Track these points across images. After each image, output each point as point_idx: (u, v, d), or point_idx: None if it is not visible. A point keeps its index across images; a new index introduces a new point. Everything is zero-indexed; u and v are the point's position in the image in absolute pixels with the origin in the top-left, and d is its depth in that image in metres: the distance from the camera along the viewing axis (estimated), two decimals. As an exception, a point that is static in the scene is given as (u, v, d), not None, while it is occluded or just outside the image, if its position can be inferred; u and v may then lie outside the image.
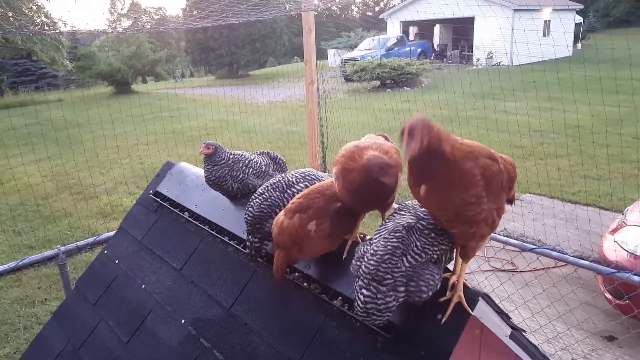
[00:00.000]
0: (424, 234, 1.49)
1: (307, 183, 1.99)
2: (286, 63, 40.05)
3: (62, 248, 3.75)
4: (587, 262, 3.36)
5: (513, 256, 5.10)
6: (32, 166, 11.17)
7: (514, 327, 1.71)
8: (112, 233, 3.29)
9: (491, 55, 27.09)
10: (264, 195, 1.97)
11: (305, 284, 1.87)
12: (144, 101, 17.40)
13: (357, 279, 1.46)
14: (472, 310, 1.48)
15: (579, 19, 32.79)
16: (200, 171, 2.75)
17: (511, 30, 21.61)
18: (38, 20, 25.72)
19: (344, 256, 1.83)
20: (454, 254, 1.61)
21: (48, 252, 3.81)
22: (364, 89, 21.95)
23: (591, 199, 7.87)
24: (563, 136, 11.47)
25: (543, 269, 5.58)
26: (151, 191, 2.90)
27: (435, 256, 1.48)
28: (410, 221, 1.54)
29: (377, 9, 69.82)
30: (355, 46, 33.81)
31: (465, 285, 1.54)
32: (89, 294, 2.70)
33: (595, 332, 4.65)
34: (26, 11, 25.44)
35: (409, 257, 1.43)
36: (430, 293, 1.45)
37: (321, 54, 32.53)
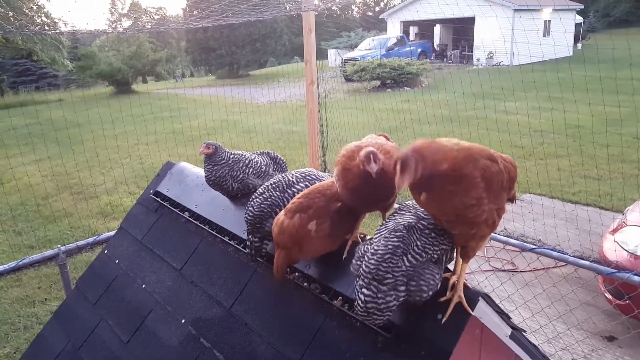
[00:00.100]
0: (425, 233, 1.49)
1: (307, 183, 1.99)
2: (286, 63, 40.04)
3: (63, 248, 3.75)
4: (587, 262, 3.36)
5: (513, 256, 5.10)
6: (33, 166, 11.18)
7: (514, 327, 1.71)
8: (112, 233, 3.30)
9: (491, 55, 27.09)
10: (264, 195, 1.98)
11: (305, 284, 1.87)
12: (144, 101, 17.40)
13: (357, 279, 1.46)
14: (473, 310, 1.48)
15: (579, 19, 32.78)
16: (200, 171, 2.75)
17: (511, 30, 21.61)
18: (38, 20, 25.71)
19: (344, 256, 1.83)
20: (454, 254, 1.61)
21: (48, 252, 3.81)
22: (364, 88, 21.95)
23: (591, 199, 7.87)
24: (563, 136, 11.47)
25: (543, 269, 5.58)
26: (151, 191, 2.91)
27: (435, 256, 1.48)
28: (411, 221, 1.54)
29: (377, 9, 69.83)
30: (356, 46, 33.81)
31: (465, 285, 1.54)
32: (89, 293, 2.70)
33: (595, 332, 4.65)
34: (26, 11, 25.44)
35: (409, 256, 1.42)
36: (430, 292, 1.45)
37: (321, 54, 32.53)
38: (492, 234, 3.47)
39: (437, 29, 34.25)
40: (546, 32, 27.18)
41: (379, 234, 1.52)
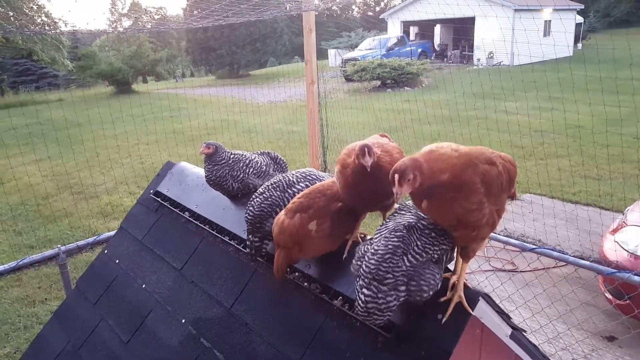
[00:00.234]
0: (425, 233, 1.49)
1: (307, 183, 1.99)
2: (287, 63, 40.03)
3: (63, 248, 3.75)
4: (587, 262, 3.36)
5: (513, 256, 5.10)
6: (33, 166, 11.18)
7: (514, 327, 1.70)
8: (112, 233, 3.30)
9: (492, 55, 27.08)
10: (264, 195, 1.98)
11: (305, 284, 1.87)
12: (145, 101, 17.40)
13: (357, 279, 1.46)
14: (473, 310, 1.48)
15: (580, 19, 32.78)
16: (200, 171, 2.75)
17: (512, 30, 21.61)
18: (39, 20, 25.72)
19: (344, 256, 1.83)
20: (455, 254, 1.61)
21: (48, 252, 3.81)
22: (364, 88, 21.95)
23: (592, 199, 7.87)
24: (563, 136, 11.47)
25: (543, 269, 5.58)
26: (152, 191, 2.91)
27: (436, 256, 1.48)
28: (411, 221, 1.54)
29: (377, 9, 69.83)
30: (356, 46, 33.81)
31: (465, 285, 1.54)
32: (89, 293, 2.70)
33: (595, 332, 4.65)
34: (27, 11, 25.45)
35: (409, 256, 1.42)
36: (431, 292, 1.45)
37: (322, 54, 32.53)
38: (492, 234, 3.47)
39: (437, 29, 34.25)
40: (546, 32, 27.18)
41: (379, 234, 1.52)
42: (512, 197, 1.64)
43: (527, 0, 24.39)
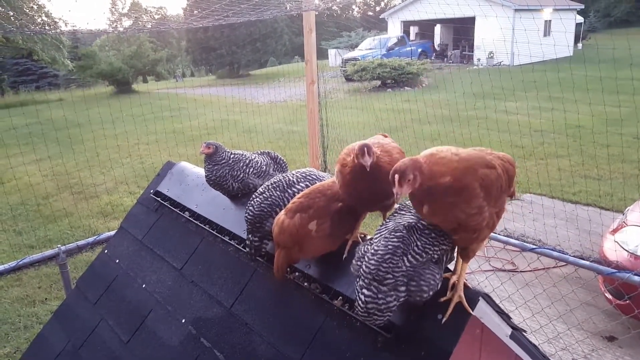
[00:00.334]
0: (425, 233, 1.49)
1: (307, 183, 1.99)
2: (287, 63, 40.03)
3: (63, 247, 3.75)
4: (587, 262, 3.36)
5: (513, 256, 5.10)
6: (33, 166, 11.18)
7: (514, 327, 1.70)
8: (112, 232, 3.30)
9: (492, 55, 27.08)
10: (264, 195, 1.98)
11: (305, 284, 1.87)
12: (145, 101, 17.39)
13: (357, 279, 1.46)
14: (473, 310, 1.48)
15: (580, 19, 32.77)
16: (200, 171, 2.75)
17: (512, 30, 21.60)
18: (39, 20, 25.71)
19: (344, 256, 1.83)
20: (455, 254, 1.61)
21: (48, 252, 3.81)
22: (364, 88, 21.94)
23: (592, 199, 7.87)
24: (564, 136, 11.47)
25: (543, 269, 5.58)
26: (152, 191, 2.91)
27: (436, 256, 1.48)
28: (411, 221, 1.54)
29: (377, 8, 69.81)
30: (356, 46, 33.81)
31: (465, 285, 1.54)
32: (89, 293, 2.70)
33: (595, 332, 4.65)
34: (27, 10, 25.44)
35: (409, 256, 1.42)
36: (431, 293, 1.45)
37: (322, 54, 32.53)
38: (492, 234, 3.47)
39: (437, 28, 34.25)
40: (547, 32, 27.17)
41: (379, 234, 1.52)
42: (511, 196, 1.64)
43: (528, 0, 24.40)
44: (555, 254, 3.47)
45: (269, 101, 17.78)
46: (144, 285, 2.44)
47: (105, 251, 2.85)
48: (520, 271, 5.68)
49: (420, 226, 1.51)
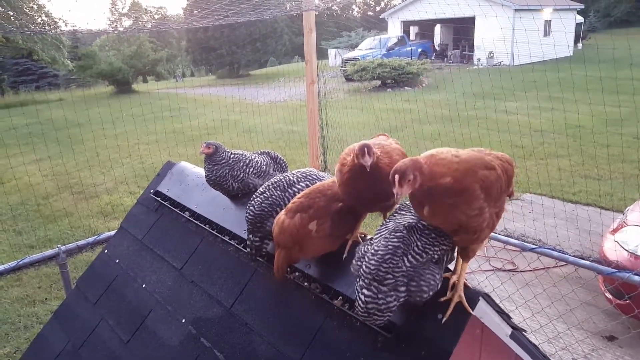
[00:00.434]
0: (425, 233, 1.49)
1: (307, 183, 1.99)
2: (287, 63, 40.03)
3: (63, 247, 3.75)
4: (587, 262, 3.36)
5: (513, 256, 5.10)
6: (33, 165, 11.18)
7: (514, 327, 1.70)
8: (112, 232, 3.30)
9: (492, 55, 27.08)
10: (264, 194, 1.98)
11: (305, 284, 1.87)
12: (145, 101, 17.39)
13: (357, 279, 1.46)
14: (473, 310, 1.48)
15: (580, 18, 32.77)
16: (200, 171, 2.75)
17: (512, 30, 21.60)
18: (39, 20, 25.71)
19: (344, 256, 1.83)
20: (455, 254, 1.61)
21: (49, 252, 3.81)
22: (364, 88, 21.94)
23: (592, 198, 7.87)
24: (564, 136, 11.47)
25: (543, 268, 5.58)
26: (152, 191, 2.91)
27: (436, 256, 1.48)
28: (411, 221, 1.53)
29: (377, 8, 69.80)
30: (356, 46, 33.81)
31: (465, 285, 1.55)
32: (89, 293, 2.70)
33: (595, 331, 4.65)
34: (27, 10, 25.43)
35: (409, 257, 1.42)
36: (431, 293, 1.45)
37: (322, 54, 32.53)
38: (492, 234, 3.47)
39: (437, 28, 34.25)
40: (547, 32, 27.17)
41: (379, 234, 1.52)
42: (510, 195, 1.64)
43: (528, 0, 24.40)
44: (555, 253, 3.47)
45: (269, 101, 17.78)
46: (144, 285, 2.44)
47: (105, 251, 2.85)
48: (520, 271, 5.68)
49: (420, 226, 1.51)
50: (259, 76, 34.64)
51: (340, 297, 1.74)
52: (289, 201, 1.88)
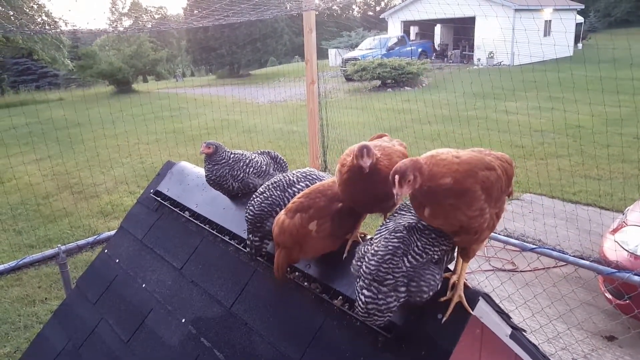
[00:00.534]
0: (425, 234, 1.49)
1: (307, 182, 1.99)
2: (287, 62, 40.06)
3: (63, 247, 3.75)
4: (587, 262, 3.36)
5: (513, 256, 5.10)
6: (33, 165, 11.18)
7: (514, 327, 1.71)
8: (112, 232, 3.30)
9: (492, 55, 27.07)
10: (264, 194, 1.98)
11: (305, 284, 1.87)
12: (145, 100, 17.38)
13: (357, 279, 1.46)
14: (473, 310, 1.48)
15: (580, 18, 32.76)
16: (200, 170, 2.75)
17: (512, 30, 21.61)
18: (39, 20, 25.71)
19: (344, 256, 1.83)
20: (455, 254, 1.61)
21: (48, 251, 3.80)
22: (364, 88, 21.94)
23: (592, 198, 7.87)
24: (564, 136, 11.47)
25: (543, 268, 5.57)
26: (152, 190, 2.91)
27: (436, 256, 1.48)
28: (411, 221, 1.53)
29: (378, 8, 69.81)
30: (356, 46, 33.81)
31: (465, 285, 1.55)
32: (89, 293, 2.70)
33: (595, 332, 4.65)
34: (27, 10, 25.44)
35: (409, 257, 1.42)
36: (431, 293, 1.45)
37: (322, 54, 32.54)
38: (493, 234, 3.47)
39: (437, 28, 34.24)
40: (547, 32, 27.17)
41: (379, 235, 1.52)
42: (509, 195, 1.64)
43: (528, 0, 24.40)
44: (555, 253, 3.47)
45: (269, 101, 17.79)
46: (144, 285, 2.45)
47: (105, 251, 2.85)
48: (520, 271, 5.68)
49: (420, 226, 1.51)
50: (259, 76, 34.64)
51: (340, 297, 1.74)
52: (288, 201, 1.88)
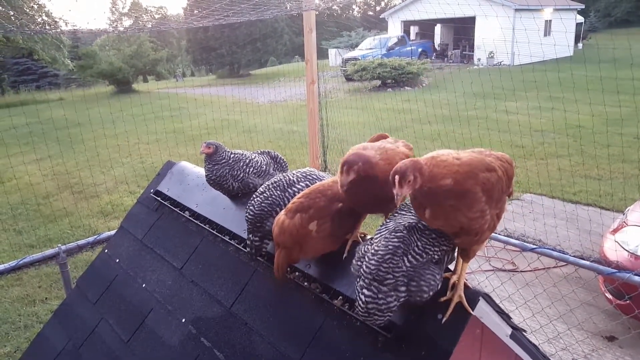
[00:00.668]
0: (425, 234, 1.49)
1: (308, 182, 1.99)
2: (287, 62, 40.06)
3: (63, 247, 3.75)
4: (587, 262, 3.36)
5: (514, 256, 5.10)
6: (33, 165, 11.18)
7: (514, 327, 1.70)
8: (112, 232, 3.30)
9: (492, 55, 27.06)
10: (264, 194, 1.97)
11: (305, 284, 1.87)
12: (145, 100, 17.39)
13: (358, 279, 1.46)
14: (473, 310, 1.48)
15: (580, 18, 32.75)
16: (201, 170, 2.75)
17: (512, 30, 21.59)
18: (39, 19, 25.71)
19: (344, 256, 1.82)
20: (455, 254, 1.61)
21: (49, 251, 3.80)
22: (364, 88, 21.94)
23: (592, 198, 7.87)
24: (564, 136, 11.46)
25: (544, 268, 5.57)
26: (152, 190, 2.91)
27: (436, 256, 1.48)
28: (412, 221, 1.53)
29: (378, 8, 69.79)
30: (356, 46, 33.81)
31: (465, 285, 1.54)
32: (89, 293, 2.70)
33: (595, 332, 4.65)
34: (27, 10, 25.44)
35: (410, 257, 1.42)
36: (431, 293, 1.45)
37: (322, 54, 32.54)
38: (493, 234, 3.47)
39: (437, 28, 34.23)
40: (547, 31, 27.16)
41: (379, 234, 1.52)
42: (510, 195, 1.64)
43: (528, 0, 24.40)
44: (555, 254, 3.47)
45: (269, 101, 17.78)
46: (144, 285, 2.45)
47: (106, 251, 2.85)
48: (521, 271, 5.68)
49: (420, 226, 1.51)
50: (259, 76, 34.64)
51: (340, 297, 1.74)
52: (288, 201, 1.88)
